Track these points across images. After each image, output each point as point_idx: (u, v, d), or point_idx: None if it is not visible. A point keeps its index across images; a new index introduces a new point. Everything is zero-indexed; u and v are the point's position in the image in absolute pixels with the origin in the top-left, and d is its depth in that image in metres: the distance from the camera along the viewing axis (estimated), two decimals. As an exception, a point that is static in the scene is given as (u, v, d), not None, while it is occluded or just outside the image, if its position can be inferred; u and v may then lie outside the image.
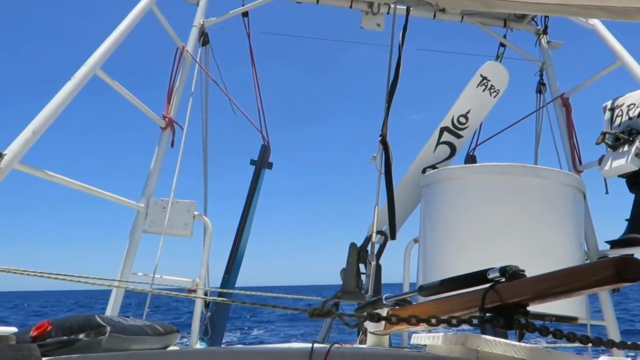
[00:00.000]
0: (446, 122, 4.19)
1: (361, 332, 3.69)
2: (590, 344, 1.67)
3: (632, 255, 4.12)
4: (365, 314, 1.65)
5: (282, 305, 1.75)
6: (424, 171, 4.12)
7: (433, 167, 4.14)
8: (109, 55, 3.69)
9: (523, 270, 1.76)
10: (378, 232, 4.04)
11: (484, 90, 4.14)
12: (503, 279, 1.69)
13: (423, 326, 1.70)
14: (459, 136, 4.21)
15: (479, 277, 1.78)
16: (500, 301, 1.64)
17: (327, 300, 1.73)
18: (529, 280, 1.65)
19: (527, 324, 1.60)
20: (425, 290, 2.17)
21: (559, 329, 1.63)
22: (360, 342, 3.80)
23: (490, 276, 1.72)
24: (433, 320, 1.62)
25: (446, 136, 4.16)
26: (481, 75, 4.17)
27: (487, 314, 1.66)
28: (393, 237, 3.91)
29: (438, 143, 4.16)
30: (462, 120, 4.15)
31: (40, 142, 3.02)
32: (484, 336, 2.32)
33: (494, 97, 4.20)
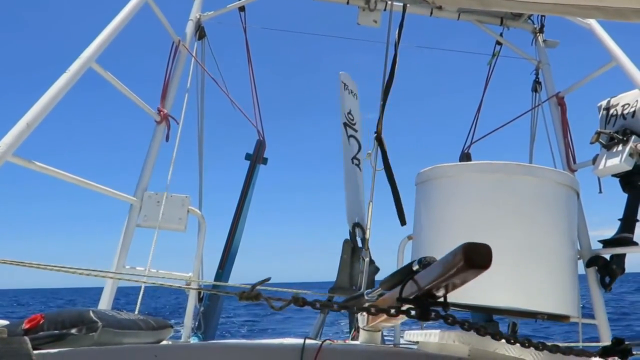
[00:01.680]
0: (343, 119, 4.66)
1: (353, 329, 3.71)
2: (531, 346, 1.69)
3: (624, 254, 4.15)
4: (290, 298, 1.68)
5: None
6: (352, 161, 4.52)
7: (355, 158, 4.61)
8: (104, 48, 3.67)
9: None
10: (357, 225, 4.11)
11: (349, 94, 4.82)
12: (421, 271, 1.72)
13: (389, 320, 1.72)
14: (355, 130, 4.72)
15: (409, 269, 1.80)
16: (418, 292, 1.67)
17: (256, 284, 1.76)
18: (424, 271, 1.68)
19: (446, 316, 1.62)
20: (383, 284, 2.19)
21: (483, 325, 1.65)
22: (353, 339, 3.81)
23: (414, 268, 1.75)
24: (372, 310, 1.66)
25: (349, 131, 4.66)
26: (343, 82, 4.88)
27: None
28: (403, 222, 3.97)
29: (348, 137, 4.61)
30: (351, 117, 4.67)
31: (32, 134, 3.01)
32: (475, 334, 2.33)
33: (355, 98, 4.96)
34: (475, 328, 1.65)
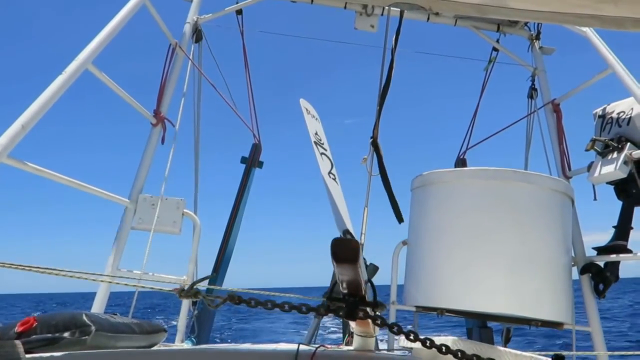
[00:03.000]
0: (313, 139, 4.77)
1: (347, 334, 3.70)
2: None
3: (618, 262, 4.16)
4: (226, 296, 1.70)
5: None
6: (329, 176, 4.58)
7: (330, 173, 4.70)
8: (101, 50, 3.66)
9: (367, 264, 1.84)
10: (347, 233, 4.12)
11: (312, 118, 4.82)
12: None
13: (366, 325, 1.72)
14: (325, 148, 4.87)
15: None
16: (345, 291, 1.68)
17: (195, 282, 1.79)
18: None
19: (374, 317, 1.64)
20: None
21: (413, 331, 1.67)
22: (347, 344, 3.81)
23: None
24: (286, 306, 1.68)
25: (320, 149, 4.76)
26: (305, 108, 4.88)
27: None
28: (401, 220, 3.96)
29: (320, 154, 4.72)
30: (318, 137, 4.80)
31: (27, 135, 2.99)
32: (470, 340, 2.34)
33: (318, 121, 4.96)
34: (404, 333, 1.67)
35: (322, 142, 5.05)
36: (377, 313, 1.71)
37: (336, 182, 4.85)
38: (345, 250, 1.35)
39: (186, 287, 1.75)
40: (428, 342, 1.68)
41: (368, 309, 1.69)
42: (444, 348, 1.72)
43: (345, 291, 1.67)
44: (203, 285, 4.90)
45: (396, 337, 2.86)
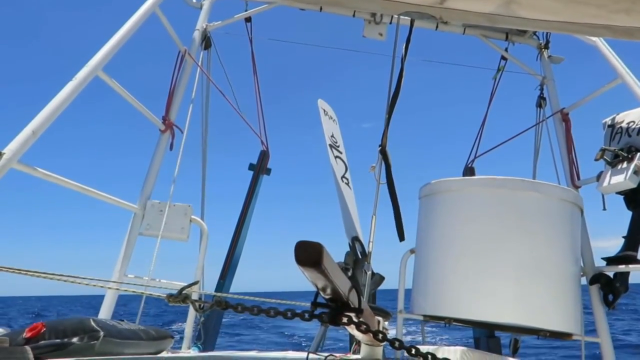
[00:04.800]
0: (328, 141, 4.76)
1: (354, 343, 3.68)
2: None
3: (628, 272, 4.13)
4: (213, 301, 1.71)
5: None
6: (342, 180, 4.55)
7: (344, 177, 4.64)
8: (111, 57, 3.68)
9: (348, 268, 1.84)
10: (356, 240, 4.12)
11: (329, 119, 4.95)
12: None
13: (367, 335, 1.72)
14: (340, 151, 4.93)
15: None
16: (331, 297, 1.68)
17: (184, 287, 1.80)
18: None
19: (358, 323, 1.63)
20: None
21: (398, 339, 1.66)
22: (354, 352, 3.79)
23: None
24: (272, 312, 1.68)
25: (335, 152, 4.77)
26: (322, 109, 4.99)
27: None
28: (402, 239, 3.96)
29: (335, 157, 4.72)
30: (334, 139, 4.78)
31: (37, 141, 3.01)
32: (479, 351, 2.32)
33: (335, 123, 5.11)
34: (388, 340, 1.66)
35: (337, 144, 5.03)
36: (361, 319, 1.70)
37: (349, 186, 4.84)
38: (306, 253, 1.35)
39: (175, 293, 1.76)
40: (430, 356, 1.66)
41: (352, 315, 1.69)
42: None
43: (328, 297, 1.66)
44: (210, 293, 4.91)
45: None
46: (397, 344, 1.66)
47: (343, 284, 1.62)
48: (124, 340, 2.50)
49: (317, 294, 1.69)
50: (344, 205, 4.50)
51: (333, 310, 1.64)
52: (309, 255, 1.34)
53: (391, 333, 2.46)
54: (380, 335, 1.66)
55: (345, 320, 1.64)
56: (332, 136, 4.98)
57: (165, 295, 1.76)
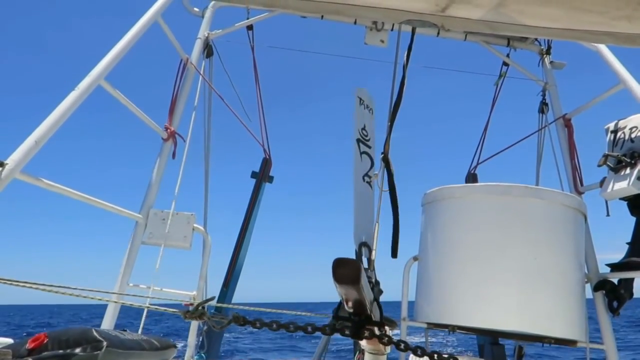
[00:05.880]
0: (356, 135, 4.64)
1: (358, 352, 3.67)
2: None
3: (632, 279, 4.11)
4: (231, 317, 1.69)
5: (279, 320, 1.76)
6: (363, 179, 4.48)
7: (366, 175, 4.57)
8: (114, 66, 3.69)
9: (371, 280, 1.81)
10: (364, 245, 4.08)
11: (364, 109, 4.71)
12: None
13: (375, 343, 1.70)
14: (369, 146, 4.72)
15: None
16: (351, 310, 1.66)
17: (200, 303, 1.77)
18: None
19: (380, 336, 1.62)
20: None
21: (420, 347, 1.65)
22: (358, 361, 3.77)
23: None
24: (291, 327, 1.67)
25: (362, 147, 4.63)
26: (359, 97, 4.72)
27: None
28: (395, 256, 3.92)
29: (360, 153, 4.60)
30: (365, 133, 4.65)
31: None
32: (483, 360, 2.31)
33: (371, 114, 4.85)
34: (411, 349, 1.65)
35: (367, 138, 4.94)
36: (384, 332, 1.69)
37: (370, 185, 4.74)
38: (346, 271, 1.34)
39: (191, 309, 1.74)
40: (436, 355, 1.66)
41: (375, 329, 1.68)
42: None
43: (351, 310, 1.65)
44: (212, 304, 4.90)
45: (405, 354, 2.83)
46: (402, 346, 1.65)
47: (368, 298, 1.62)
48: (127, 350, 2.48)
49: (338, 307, 1.68)
50: (359, 206, 4.37)
51: (357, 324, 1.63)
52: (348, 273, 1.33)
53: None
54: (386, 339, 1.65)
55: (367, 334, 1.63)
56: (363, 129, 4.89)
57: (181, 312, 1.74)
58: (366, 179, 4.68)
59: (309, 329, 1.66)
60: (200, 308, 1.71)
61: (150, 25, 4.16)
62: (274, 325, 1.69)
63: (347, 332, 1.65)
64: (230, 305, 4.70)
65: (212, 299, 1.83)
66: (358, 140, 4.81)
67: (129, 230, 4.35)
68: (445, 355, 1.79)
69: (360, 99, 5.03)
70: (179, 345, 3.37)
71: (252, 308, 3.21)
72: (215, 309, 4.78)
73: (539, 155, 5.68)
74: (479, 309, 3.55)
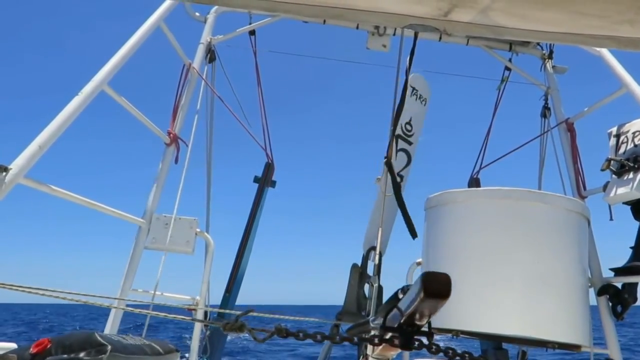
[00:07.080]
0: (397, 130, 4.44)
1: (361, 356, 3.66)
2: None
3: (636, 283, 4.09)
4: (273, 329, 1.67)
5: (285, 325, 1.75)
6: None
7: (399, 174, 4.41)
8: (117, 71, 3.71)
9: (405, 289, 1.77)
10: (373, 249, 4.07)
11: (416, 100, 4.50)
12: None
13: (389, 349, 1.69)
14: (409, 142, 4.60)
15: (396, 297, 1.77)
16: (401, 320, 1.64)
17: (240, 314, 1.75)
18: (403, 300, 1.65)
19: (429, 345, 1.60)
20: (380, 311, 2.15)
21: (452, 348, 1.63)
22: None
23: (400, 296, 1.72)
24: (338, 338, 1.65)
25: (401, 143, 4.47)
26: (411, 87, 4.51)
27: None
28: (414, 236, 3.83)
29: (397, 150, 4.45)
30: (409, 127, 4.52)
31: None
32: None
33: (424, 104, 4.63)
34: (459, 355, 1.64)
35: (410, 134, 4.67)
36: (431, 341, 1.68)
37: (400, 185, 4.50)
38: (439, 286, 1.32)
39: (231, 321, 1.71)
40: (467, 356, 1.64)
41: (423, 339, 1.66)
42: None
43: (405, 320, 1.62)
44: (214, 309, 4.88)
45: None
46: (434, 349, 1.64)
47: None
48: (129, 355, 2.49)
49: (386, 316, 1.66)
50: (378, 207, 4.23)
51: (407, 334, 1.61)
52: (441, 288, 1.32)
53: None
54: (434, 348, 1.64)
55: (416, 344, 1.61)
56: (408, 122, 4.63)
57: (220, 324, 1.71)
58: (397, 178, 4.43)
59: (355, 339, 1.65)
60: (239, 320, 1.68)
61: (153, 31, 4.17)
62: (319, 337, 1.66)
63: (396, 342, 1.63)
64: (231, 312, 4.71)
65: (251, 310, 1.80)
66: (398, 137, 4.62)
67: (130, 232, 4.35)
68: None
69: (413, 88, 4.74)
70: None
71: (261, 314, 3.19)
72: (218, 314, 4.78)
73: (542, 159, 5.67)
74: (482, 314, 3.54)
